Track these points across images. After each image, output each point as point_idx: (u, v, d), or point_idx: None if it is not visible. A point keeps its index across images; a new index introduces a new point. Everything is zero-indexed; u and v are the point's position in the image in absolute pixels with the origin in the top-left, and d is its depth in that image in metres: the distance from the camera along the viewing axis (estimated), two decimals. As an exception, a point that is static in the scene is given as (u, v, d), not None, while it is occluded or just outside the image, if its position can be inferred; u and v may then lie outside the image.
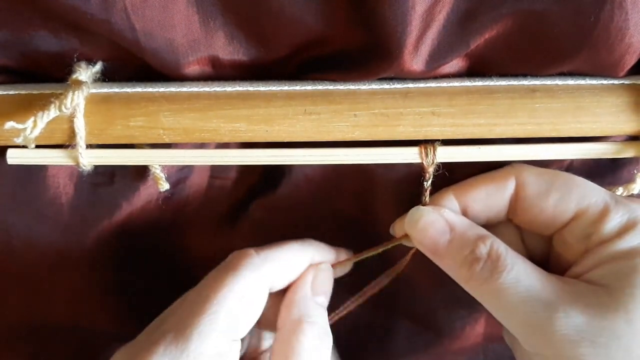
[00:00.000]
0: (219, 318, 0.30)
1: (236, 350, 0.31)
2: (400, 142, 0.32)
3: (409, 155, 0.32)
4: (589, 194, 0.31)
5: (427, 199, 0.33)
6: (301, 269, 0.34)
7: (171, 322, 0.31)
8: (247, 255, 0.32)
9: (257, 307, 0.32)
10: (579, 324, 0.28)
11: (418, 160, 0.32)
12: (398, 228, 0.34)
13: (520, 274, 0.29)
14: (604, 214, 0.30)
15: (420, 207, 0.33)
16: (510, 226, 0.34)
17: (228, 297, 0.31)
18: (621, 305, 0.28)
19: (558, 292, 0.29)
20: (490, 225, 0.34)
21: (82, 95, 0.30)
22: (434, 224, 0.32)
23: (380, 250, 0.35)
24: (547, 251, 0.34)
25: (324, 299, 0.34)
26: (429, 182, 0.33)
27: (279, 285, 0.34)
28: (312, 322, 0.32)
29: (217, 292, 0.31)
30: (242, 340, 0.32)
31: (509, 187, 0.32)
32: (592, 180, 0.34)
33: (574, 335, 0.27)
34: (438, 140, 0.32)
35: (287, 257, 0.34)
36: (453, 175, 0.34)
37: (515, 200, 0.32)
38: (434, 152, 0.32)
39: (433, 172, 0.32)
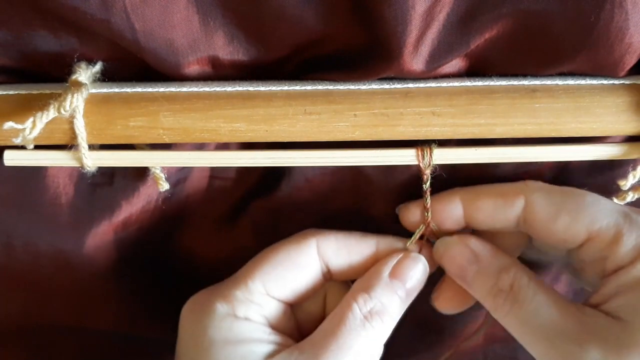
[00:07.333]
0: (257, 272, 0.32)
1: (273, 308, 0.33)
2: (400, 142, 0.32)
3: (406, 158, 0.32)
4: (600, 217, 0.30)
5: (429, 201, 0.33)
6: (363, 250, 0.34)
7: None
8: (304, 230, 0.34)
9: (302, 272, 0.33)
10: None
11: (415, 163, 0.32)
12: (403, 217, 0.34)
13: (540, 306, 0.30)
14: (617, 237, 0.30)
15: (445, 238, 0.33)
16: (515, 235, 0.34)
17: (272, 253, 0.33)
18: (634, 342, 0.28)
19: (577, 326, 0.29)
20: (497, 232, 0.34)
21: (82, 98, 0.30)
22: (461, 255, 0.32)
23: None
24: (566, 262, 0.34)
25: (402, 289, 0.32)
26: (428, 184, 0.33)
27: (337, 263, 0.33)
28: (373, 298, 0.32)
29: (265, 251, 0.33)
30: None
31: (517, 206, 0.32)
32: (590, 180, 0.34)
33: None
34: (435, 141, 0.32)
35: (343, 234, 0.34)
36: (451, 177, 0.34)
37: (524, 220, 0.32)
38: (430, 155, 0.32)
39: (430, 174, 0.32)
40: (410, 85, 0.31)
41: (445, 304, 0.34)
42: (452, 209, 0.33)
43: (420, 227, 0.34)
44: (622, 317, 0.29)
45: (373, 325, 0.31)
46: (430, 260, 0.34)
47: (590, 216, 0.31)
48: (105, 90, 0.31)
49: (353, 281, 0.34)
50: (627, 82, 0.31)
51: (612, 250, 0.30)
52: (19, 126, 0.29)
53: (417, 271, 0.33)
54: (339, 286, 0.34)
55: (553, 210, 0.31)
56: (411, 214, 0.34)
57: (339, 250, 0.33)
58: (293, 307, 0.34)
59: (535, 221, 0.32)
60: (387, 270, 0.33)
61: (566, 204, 0.31)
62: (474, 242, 0.33)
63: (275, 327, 0.33)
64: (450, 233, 0.34)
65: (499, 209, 0.32)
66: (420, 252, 0.34)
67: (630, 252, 0.30)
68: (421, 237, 0.34)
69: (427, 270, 0.34)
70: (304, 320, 0.34)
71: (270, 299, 0.33)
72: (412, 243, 0.34)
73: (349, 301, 0.32)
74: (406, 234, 0.34)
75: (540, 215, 0.31)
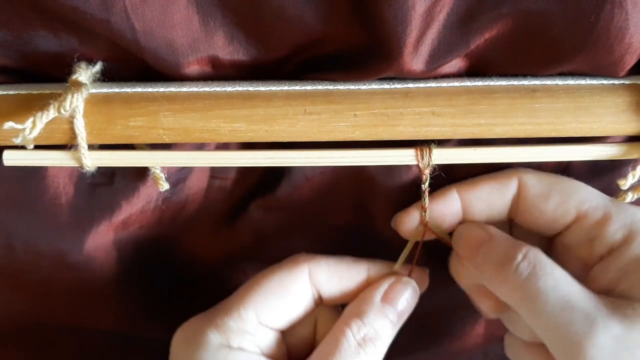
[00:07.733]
0: (250, 300, 0.32)
1: (265, 336, 0.32)
2: (400, 142, 0.32)
3: (405, 158, 0.32)
4: (589, 198, 0.32)
5: (427, 201, 0.33)
6: (354, 276, 0.34)
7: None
8: (296, 255, 0.34)
9: (295, 299, 0.33)
10: (618, 336, 0.27)
11: (414, 163, 0.32)
12: (402, 222, 0.34)
13: (559, 280, 0.29)
14: (605, 217, 0.31)
15: (466, 223, 0.34)
16: (504, 225, 0.34)
17: (264, 280, 0.32)
18: None
19: (596, 303, 0.28)
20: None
21: (82, 98, 0.30)
22: (477, 235, 0.33)
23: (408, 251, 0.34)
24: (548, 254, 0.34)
25: (394, 313, 0.33)
26: (427, 184, 0.33)
27: (328, 289, 0.33)
28: (366, 324, 0.32)
29: (257, 277, 0.33)
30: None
31: (512, 187, 0.33)
32: (591, 180, 0.34)
33: (614, 346, 0.27)
34: (434, 141, 0.32)
35: (334, 260, 0.34)
36: (450, 177, 0.34)
37: (517, 202, 0.33)
38: (429, 155, 0.32)
39: (429, 174, 0.32)
40: (410, 85, 0.31)
41: (490, 310, 0.34)
42: (450, 202, 0.33)
43: (416, 230, 0.34)
44: (636, 296, 0.29)
45: (367, 352, 0.31)
46: (420, 282, 0.34)
47: (580, 197, 0.32)
48: (105, 90, 0.31)
49: (343, 305, 0.34)
50: (627, 82, 0.31)
51: (601, 230, 0.31)
52: (19, 126, 0.29)
53: (407, 295, 0.33)
54: (330, 310, 0.34)
55: (545, 189, 0.32)
56: (410, 218, 0.34)
57: (331, 276, 0.33)
58: (284, 333, 0.34)
59: (527, 200, 0.32)
60: (379, 295, 0.33)
61: (557, 185, 0.32)
62: (492, 227, 0.33)
63: (268, 355, 0.33)
64: (446, 232, 0.34)
65: (494, 193, 0.33)
66: (410, 275, 0.34)
67: (620, 231, 0.30)
68: (410, 260, 0.34)
69: (418, 293, 0.34)
70: (294, 345, 0.34)
71: (263, 328, 0.33)
72: (403, 257, 0.34)
73: (342, 328, 0.32)
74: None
75: (533, 192, 0.32)
